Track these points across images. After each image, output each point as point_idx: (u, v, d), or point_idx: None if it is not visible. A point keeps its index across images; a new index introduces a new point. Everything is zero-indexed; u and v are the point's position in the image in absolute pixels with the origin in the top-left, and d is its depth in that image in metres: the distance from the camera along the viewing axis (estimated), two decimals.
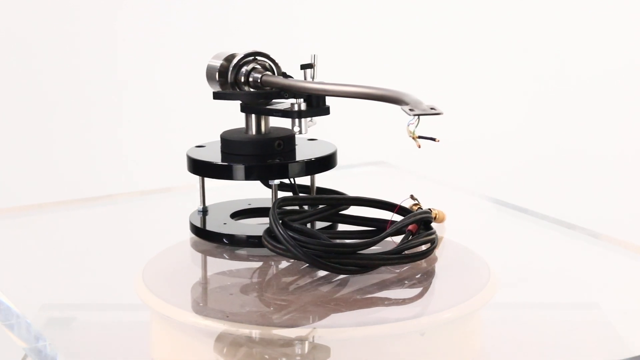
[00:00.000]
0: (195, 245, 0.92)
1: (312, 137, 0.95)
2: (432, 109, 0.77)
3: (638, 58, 1.79)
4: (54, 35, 1.75)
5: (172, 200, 1.18)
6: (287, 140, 0.90)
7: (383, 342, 0.73)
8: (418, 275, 0.82)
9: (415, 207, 0.92)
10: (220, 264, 0.89)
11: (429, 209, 0.91)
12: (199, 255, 0.91)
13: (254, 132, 0.91)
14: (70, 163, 1.78)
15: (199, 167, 0.90)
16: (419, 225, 0.84)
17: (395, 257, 0.81)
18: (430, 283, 0.81)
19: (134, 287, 0.82)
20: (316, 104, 0.87)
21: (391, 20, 1.80)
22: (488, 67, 1.83)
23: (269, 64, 0.92)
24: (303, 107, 0.87)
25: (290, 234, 0.78)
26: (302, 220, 0.85)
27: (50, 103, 1.78)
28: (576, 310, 0.83)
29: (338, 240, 0.85)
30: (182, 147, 0.95)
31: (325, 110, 0.88)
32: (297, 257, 0.78)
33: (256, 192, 0.95)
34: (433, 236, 0.84)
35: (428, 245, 0.83)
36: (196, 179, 0.93)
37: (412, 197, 0.92)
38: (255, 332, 0.73)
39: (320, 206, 0.89)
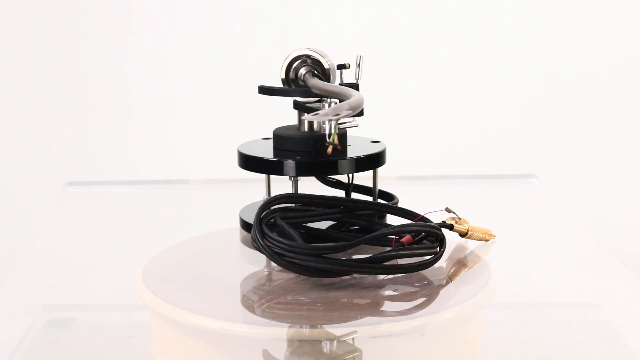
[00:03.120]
0: (200, 243, 0.92)
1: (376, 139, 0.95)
2: (335, 115, 0.77)
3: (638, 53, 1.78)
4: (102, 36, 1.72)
5: (175, 197, 1.18)
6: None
7: (383, 342, 0.73)
8: (418, 275, 0.82)
9: (451, 221, 0.88)
10: (222, 263, 0.89)
11: (450, 224, 0.87)
12: (201, 254, 0.91)
13: (305, 129, 0.92)
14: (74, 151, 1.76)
15: (247, 162, 0.90)
16: (419, 237, 0.82)
17: (365, 265, 0.79)
18: (430, 283, 0.81)
19: (134, 287, 0.82)
20: None
21: (390, 20, 1.80)
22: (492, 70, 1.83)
23: (319, 62, 0.92)
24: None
25: (265, 230, 0.79)
26: (301, 219, 0.86)
27: (57, 99, 1.77)
28: (576, 310, 0.83)
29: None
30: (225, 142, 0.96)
31: (357, 113, 0.86)
32: (262, 252, 0.79)
33: (327, 189, 0.95)
34: (425, 251, 0.80)
35: (432, 257, 0.80)
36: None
37: (447, 209, 0.88)
38: (254, 331, 0.73)
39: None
